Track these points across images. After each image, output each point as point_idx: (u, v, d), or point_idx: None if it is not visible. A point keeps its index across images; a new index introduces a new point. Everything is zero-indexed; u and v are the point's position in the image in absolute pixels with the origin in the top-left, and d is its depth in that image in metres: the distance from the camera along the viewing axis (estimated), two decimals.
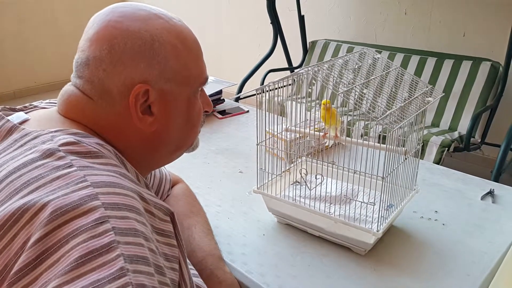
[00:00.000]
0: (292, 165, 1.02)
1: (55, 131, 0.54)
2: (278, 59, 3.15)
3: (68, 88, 0.62)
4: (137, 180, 0.55)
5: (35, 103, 0.68)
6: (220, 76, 1.96)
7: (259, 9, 3.29)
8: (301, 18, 3.08)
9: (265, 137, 0.93)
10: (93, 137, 0.57)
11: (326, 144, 0.96)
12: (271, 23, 3.06)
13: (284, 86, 0.89)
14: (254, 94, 0.87)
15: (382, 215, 0.84)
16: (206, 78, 0.68)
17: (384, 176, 0.82)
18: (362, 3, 3.04)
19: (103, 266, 0.40)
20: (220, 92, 1.63)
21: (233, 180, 1.14)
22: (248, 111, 1.61)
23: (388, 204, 0.90)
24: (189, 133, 0.68)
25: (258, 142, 0.91)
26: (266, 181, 0.94)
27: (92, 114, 0.59)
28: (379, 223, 0.82)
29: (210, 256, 0.79)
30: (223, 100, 1.67)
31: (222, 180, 1.14)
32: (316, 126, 1.00)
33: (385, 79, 0.91)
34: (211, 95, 1.57)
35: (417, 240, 0.90)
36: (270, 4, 2.96)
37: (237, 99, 2.52)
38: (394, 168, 0.86)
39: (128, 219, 0.45)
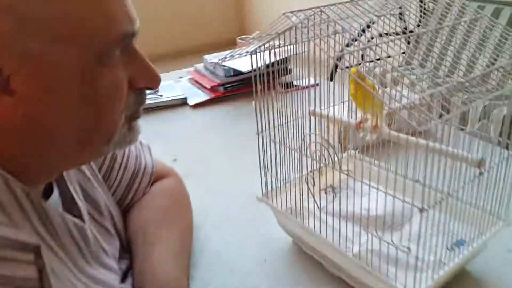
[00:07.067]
0: (327, 162, 0.72)
1: None
2: None
3: None
4: None
5: None
6: None
7: None
8: None
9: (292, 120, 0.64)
10: None
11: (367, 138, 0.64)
12: None
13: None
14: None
15: (442, 258, 0.52)
16: (126, 34, 0.42)
17: (451, 191, 0.50)
18: None
19: None
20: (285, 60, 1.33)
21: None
22: (317, 84, 1.28)
23: (456, 239, 0.56)
24: (97, 118, 0.44)
25: (260, 130, 0.63)
26: (281, 183, 0.67)
27: None
28: (426, 275, 0.50)
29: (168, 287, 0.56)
30: (290, 70, 1.36)
31: (246, 174, 0.87)
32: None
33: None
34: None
35: None
36: None
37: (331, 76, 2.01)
38: (468, 181, 0.52)
39: None
